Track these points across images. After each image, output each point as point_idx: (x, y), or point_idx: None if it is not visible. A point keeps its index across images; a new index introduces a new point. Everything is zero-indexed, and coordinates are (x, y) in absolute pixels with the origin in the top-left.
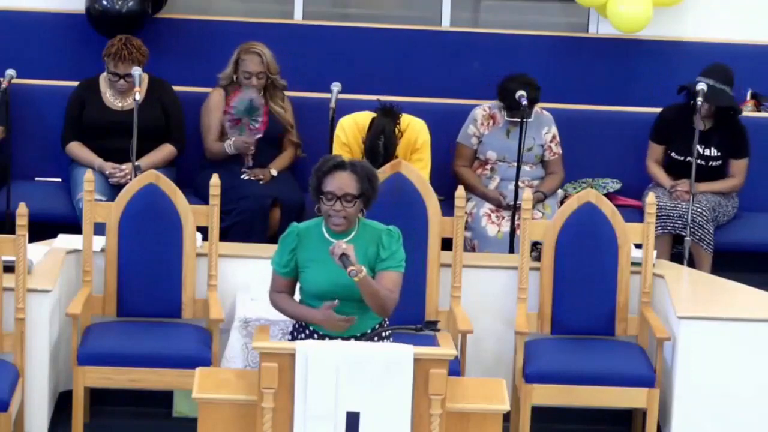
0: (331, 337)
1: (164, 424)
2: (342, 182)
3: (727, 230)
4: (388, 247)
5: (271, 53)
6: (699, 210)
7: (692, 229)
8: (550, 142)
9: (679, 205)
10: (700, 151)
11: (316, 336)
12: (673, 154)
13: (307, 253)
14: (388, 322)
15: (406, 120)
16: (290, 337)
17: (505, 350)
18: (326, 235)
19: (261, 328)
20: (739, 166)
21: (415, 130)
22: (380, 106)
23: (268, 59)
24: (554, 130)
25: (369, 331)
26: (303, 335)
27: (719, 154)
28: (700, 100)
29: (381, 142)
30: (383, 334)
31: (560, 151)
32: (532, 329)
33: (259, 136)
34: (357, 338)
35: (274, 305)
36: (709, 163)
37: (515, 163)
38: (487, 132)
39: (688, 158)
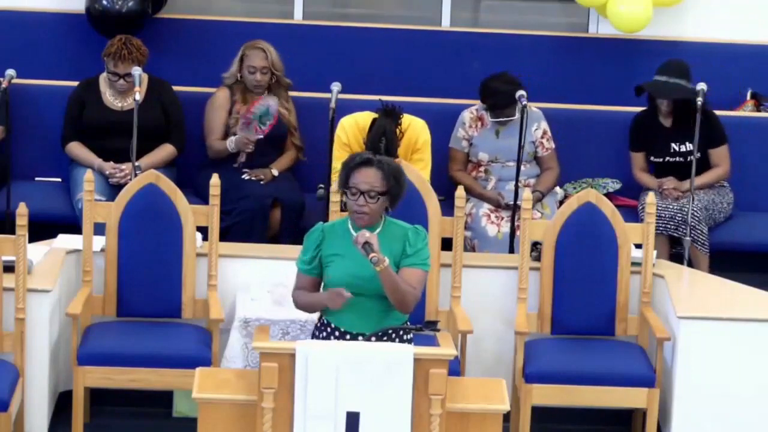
0: (352, 335)
1: (164, 424)
2: (367, 178)
3: (725, 230)
4: (414, 244)
5: (276, 51)
6: (691, 210)
7: (686, 230)
8: (541, 137)
9: (670, 206)
10: (676, 148)
11: (337, 334)
12: (651, 158)
13: (331, 248)
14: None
15: (407, 120)
16: (312, 336)
17: (505, 350)
18: (352, 230)
19: (261, 328)
20: (719, 154)
21: (415, 130)
22: (382, 107)
23: (273, 56)
24: (544, 125)
25: (390, 330)
26: (324, 334)
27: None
28: (662, 101)
29: (382, 144)
30: (405, 336)
31: (553, 146)
32: (532, 329)
33: (260, 137)
34: (378, 337)
35: (295, 303)
36: (688, 159)
37: (509, 163)
38: (477, 134)
39: (667, 158)
